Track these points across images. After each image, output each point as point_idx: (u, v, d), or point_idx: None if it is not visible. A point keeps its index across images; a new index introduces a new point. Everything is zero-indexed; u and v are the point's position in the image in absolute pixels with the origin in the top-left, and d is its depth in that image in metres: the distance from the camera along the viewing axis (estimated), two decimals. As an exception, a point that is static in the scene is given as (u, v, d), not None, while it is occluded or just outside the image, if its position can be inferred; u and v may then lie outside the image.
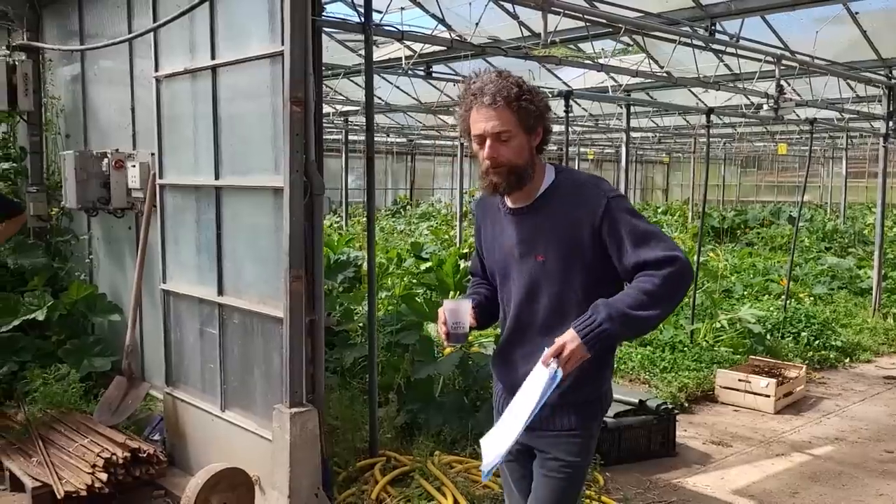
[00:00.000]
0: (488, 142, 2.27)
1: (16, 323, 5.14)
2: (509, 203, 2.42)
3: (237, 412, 4.18)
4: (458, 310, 2.33)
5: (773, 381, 6.22)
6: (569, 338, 2.14)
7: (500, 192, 2.35)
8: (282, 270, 3.61)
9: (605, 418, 4.81)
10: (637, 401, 5.15)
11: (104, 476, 3.98)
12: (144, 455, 4.19)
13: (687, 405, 6.17)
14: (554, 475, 2.43)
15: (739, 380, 6.35)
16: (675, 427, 5.23)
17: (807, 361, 7.38)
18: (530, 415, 2.17)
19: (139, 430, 4.72)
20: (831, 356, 7.72)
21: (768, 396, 6.18)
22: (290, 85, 3.49)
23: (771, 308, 8.69)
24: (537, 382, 2.17)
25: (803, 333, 7.95)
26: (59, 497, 3.89)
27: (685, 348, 7.22)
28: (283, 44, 3.54)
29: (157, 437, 4.67)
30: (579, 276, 2.30)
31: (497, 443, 2.32)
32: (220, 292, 4.21)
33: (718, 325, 7.73)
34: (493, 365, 2.59)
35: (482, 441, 2.41)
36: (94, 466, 4.02)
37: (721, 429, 5.78)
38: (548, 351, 2.16)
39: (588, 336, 2.12)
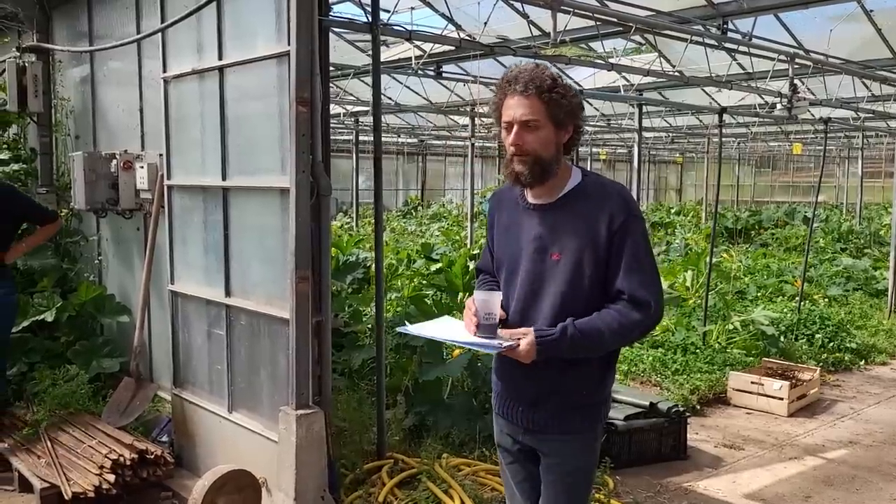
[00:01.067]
0: (515, 128, 2.29)
1: (25, 324, 5.16)
2: (530, 198, 2.42)
3: (244, 413, 4.16)
4: (490, 300, 2.30)
5: (787, 383, 6.15)
6: (527, 343, 2.23)
7: (521, 183, 2.35)
8: (288, 271, 3.59)
9: (615, 420, 4.82)
10: (648, 403, 5.10)
11: (112, 477, 3.98)
12: (152, 456, 4.19)
13: (699, 408, 6.11)
14: (562, 479, 2.43)
15: (752, 382, 6.28)
16: (687, 430, 5.17)
17: (821, 364, 7.30)
18: (456, 342, 2.40)
19: (147, 431, 4.72)
20: (846, 358, 7.62)
21: (781, 399, 6.10)
22: (296, 85, 3.47)
23: (785, 310, 8.60)
24: (487, 335, 2.30)
25: (817, 335, 7.86)
26: (66, 498, 3.90)
27: (697, 350, 7.15)
28: (289, 44, 3.53)
29: (164, 438, 4.67)
30: (589, 278, 2.30)
31: (423, 328, 2.53)
32: (228, 293, 4.20)
33: (731, 327, 7.66)
34: (493, 362, 2.60)
35: (417, 325, 2.57)
36: (101, 468, 4.03)
37: (733, 432, 5.72)
38: (511, 331, 2.29)
39: (540, 349, 2.24)
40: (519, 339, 2.25)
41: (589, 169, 2.65)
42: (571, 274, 2.30)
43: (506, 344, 2.25)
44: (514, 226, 2.46)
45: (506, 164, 2.37)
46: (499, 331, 2.30)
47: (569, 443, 2.42)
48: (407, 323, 2.49)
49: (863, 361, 7.74)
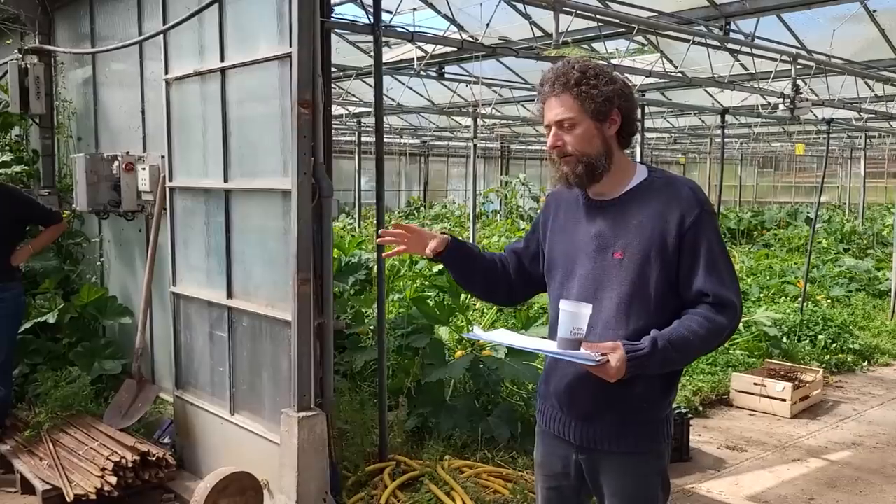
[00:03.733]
0: (553, 130, 2.19)
1: (27, 325, 5.16)
2: (591, 194, 2.27)
3: (246, 416, 4.16)
4: (579, 313, 2.06)
5: (790, 384, 6.14)
6: (618, 359, 2.01)
7: (571, 184, 2.22)
8: (290, 273, 3.59)
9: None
10: (650, 405, 5.08)
11: (113, 479, 3.99)
12: (154, 458, 4.19)
13: (701, 409, 6.10)
14: (623, 502, 2.27)
15: (755, 383, 6.27)
16: (689, 431, 5.16)
17: (824, 365, 7.28)
18: (544, 352, 2.18)
19: (149, 433, 4.72)
20: (849, 359, 7.60)
21: (784, 400, 6.09)
22: (298, 87, 3.47)
23: (787, 311, 8.58)
24: (571, 349, 2.08)
25: (820, 336, 7.84)
26: (68, 500, 3.91)
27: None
28: (291, 46, 3.52)
29: (166, 440, 4.67)
30: (655, 278, 2.14)
31: (495, 335, 2.34)
32: (230, 295, 4.20)
33: (734, 328, 7.63)
34: (544, 370, 2.40)
35: (492, 332, 2.36)
36: (103, 469, 4.03)
37: (736, 433, 5.71)
38: (598, 345, 2.06)
39: (631, 365, 2.03)
40: (605, 354, 2.02)
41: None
42: (635, 274, 2.14)
43: (598, 358, 2.00)
44: (571, 224, 2.30)
45: (555, 168, 2.24)
46: (582, 345, 2.06)
47: (629, 462, 2.24)
48: (476, 329, 2.28)
49: (866, 363, 7.72)
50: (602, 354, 2.01)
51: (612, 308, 2.16)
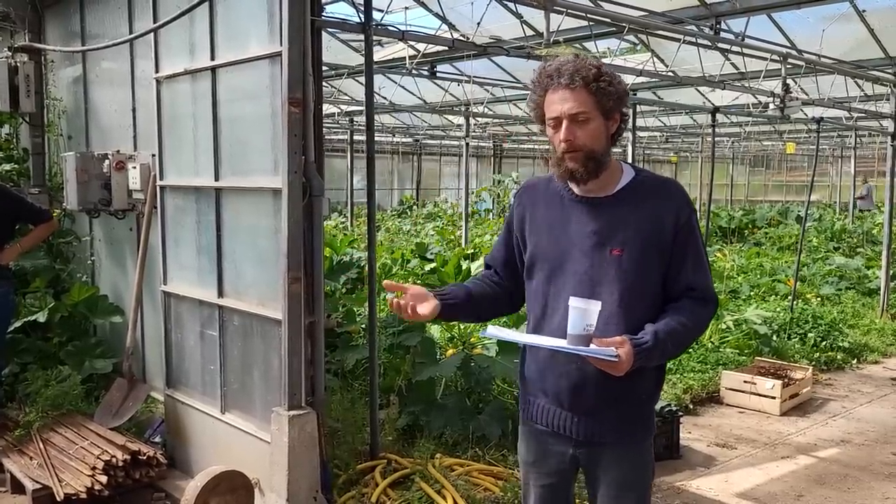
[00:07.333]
0: (565, 123, 2.17)
1: (18, 324, 5.15)
2: (579, 191, 2.28)
3: (237, 414, 4.16)
4: (589, 310, 2.07)
5: (779, 382, 6.17)
6: (626, 352, 2.08)
7: (577, 180, 2.22)
8: (281, 272, 3.59)
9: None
10: (640, 403, 5.11)
11: (104, 478, 3.98)
12: (145, 457, 4.18)
13: (691, 407, 6.12)
14: (621, 493, 2.32)
15: (745, 381, 6.30)
16: (679, 429, 5.18)
17: (813, 363, 7.32)
18: (564, 349, 2.12)
19: (140, 432, 4.72)
20: (838, 357, 7.64)
21: (774, 398, 6.12)
22: (289, 85, 3.47)
23: (777, 309, 8.62)
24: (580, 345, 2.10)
25: (810, 334, 7.88)
26: (58, 499, 3.90)
27: (690, 349, 7.16)
28: (281, 44, 3.52)
29: (157, 439, 4.67)
30: (655, 273, 2.22)
31: (508, 333, 2.33)
32: (220, 294, 4.19)
33: (724, 327, 7.67)
34: (530, 367, 2.38)
35: (499, 329, 2.31)
36: (94, 469, 4.02)
37: (726, 431, 5.74)
38: (604, 340, 2.09)
39: (637, 359, 2.10)
40: (614, 348, 2.07)
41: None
42: (634, 270, 2.20)
43: (615, 352, 2.05)
44: (558, 220, 2.31)
45: (556, 163, 2.23)
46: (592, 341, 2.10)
47: (628, 454, 2.31)
48: (490, 328, 2.27)
49: (855, 360, 7.76)
50: (612, 349, 2.07)
51: (612, 303, 2.20)
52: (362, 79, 12.09)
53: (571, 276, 2.25)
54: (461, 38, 7.48)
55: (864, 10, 7.97)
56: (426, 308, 2.30)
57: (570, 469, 2.39)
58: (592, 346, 2.08)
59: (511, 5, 7.42)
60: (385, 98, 12.83)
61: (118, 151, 5.13)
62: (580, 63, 2.18)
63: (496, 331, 2.27)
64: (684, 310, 2.21)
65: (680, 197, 2.27)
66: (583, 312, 2.07)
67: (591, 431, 2.29)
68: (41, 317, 5.18)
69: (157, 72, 4.52)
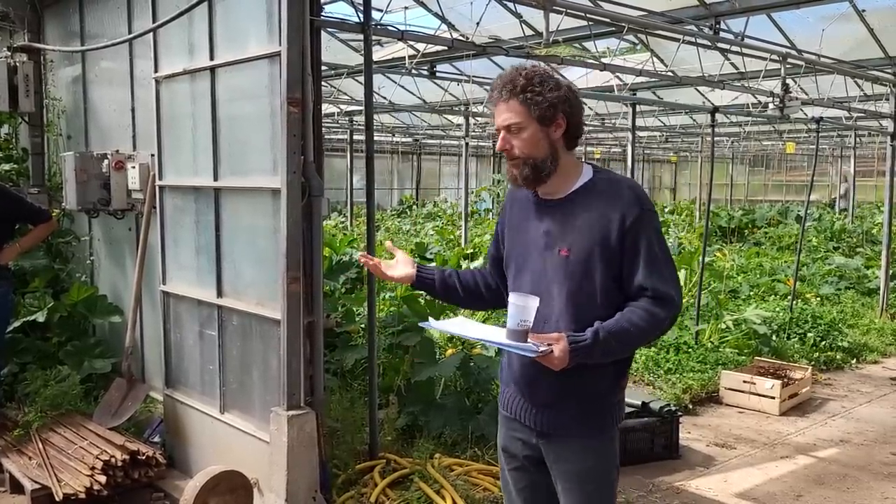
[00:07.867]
0: (502, 134, 2.31)
1: (17, 324, 5.14)
2: (540, 193, 2.39)
3: (236, 414, 4.16)
4: (527, 306, 2.16)
5: (779, 382, 6.17)
6: (561, 349, 2.15)
7: (520, 185, 2.35)
8: (280, 272, 3.59)
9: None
10: (640, 403, 5.11)
11: (103, 478, 3.98)
12: (144, 457, 4.18)
13: (691, 407, 6.13)
14: (582, 487, 2.36)
15: (744, 381, 6.30)
16: (679, 429, 5.18)
17: (813, 362, 7.32)
18: (489, 342, 2.30)
19: (139, 432, 4.72)
20: (837, 357, 7.65)
21: (773, 398, 6.12)
22: (288, 85, 3.47)
23: (777, 308, 8.62)
24: (517, 340, 2.18)
25: (809, 334, 7.89)
26: (57, 499, 3.90)
27: (690, 349, 7.17)
28: (280, 44, 3.52)
29: (156, 439, 4.66)
30: (599, 274, 2.25)
31: (447, 325, 2.45)
32: (219, 294, 4.19)
33: (724, 326, 7.68)
34: (504, 358, 2.51)
35: (441, 322, 2.47)
36: (93, 469, 4.02)
37: (725, 431, 5.74)
38: (543, 335, 2.19)
39: (573, 355, 2.16)
40: (550, 344, 2.15)
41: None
42: (580, 270, 2.25)
43: (542, 348, 2.14)
44: (523, 221, 2.43)
45: (507, 169, 2.39)
46: (529, 336, 2.18)
47: (586, 447, 2.36)
48: (431, 320, 2.41)
49: (854, 360, 7.77)
50: (547, 344, 2.15)
51: (561, 302, 2.29)
52: (362, 78, 12.10)
53: (530, 274, 2.36)
54: (460, 37, 7.49)
55: (863, 10, 7.97)
56: (397, 272, 2.56)
57: (536, 456, 2.45)
58: (529, 341, 2.15)
59: (510, 5, 7.42)
60: (385, 98, 12.83)
61: (117, 151, 5.13)
62: (513, 74, 2.28)
63: (434, 322, 2.41)
64: (637, 310, 2.23)
65: (628, 197, 2.27)
66: (520, 308, 2.16)
67: (549, 423, 2.37)
68: (40, 316, 5.18)
69: (156, 71, 4.52)
